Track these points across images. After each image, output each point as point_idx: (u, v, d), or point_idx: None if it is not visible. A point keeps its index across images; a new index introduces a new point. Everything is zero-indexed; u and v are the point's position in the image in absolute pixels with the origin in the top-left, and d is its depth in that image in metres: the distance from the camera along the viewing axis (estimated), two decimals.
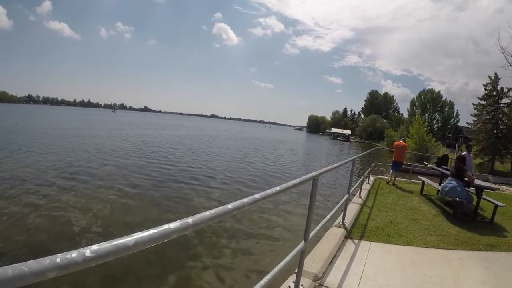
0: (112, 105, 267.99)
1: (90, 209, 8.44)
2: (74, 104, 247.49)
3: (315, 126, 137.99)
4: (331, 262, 3.92)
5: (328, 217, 3.73)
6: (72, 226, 7.17)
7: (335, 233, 4.79)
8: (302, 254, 2.82)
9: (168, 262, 5.62)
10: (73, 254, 0.80)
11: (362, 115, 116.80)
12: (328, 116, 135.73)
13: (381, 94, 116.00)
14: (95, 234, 6.88)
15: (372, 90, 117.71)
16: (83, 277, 4.87)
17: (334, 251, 4.23)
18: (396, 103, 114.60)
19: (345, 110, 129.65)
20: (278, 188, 1.91)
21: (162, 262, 5.53)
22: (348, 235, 4.93)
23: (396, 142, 11.35)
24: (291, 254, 2.49)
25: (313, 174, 2.67)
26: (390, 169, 11.41)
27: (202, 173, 14.63)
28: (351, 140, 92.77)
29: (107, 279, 4.89)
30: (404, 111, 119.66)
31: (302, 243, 2.72)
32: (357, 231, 5.23)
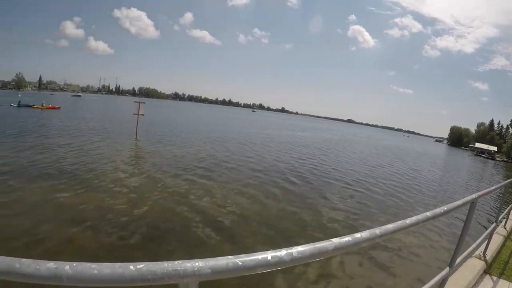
0: (251, 104, 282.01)
1: (243, 203, 8.71)
2: (216, 102, 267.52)
3: (457, 139, 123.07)
4: None
5: (474, 245, 3.37)
6: (216, 218, 7.45)
7: (474, 264, 4.24)
8: (444, 282, 2.59)
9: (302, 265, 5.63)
10: (282, 253, 0.87)
11: (510, 130, 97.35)
12: (472, 128, 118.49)
13: None
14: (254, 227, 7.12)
15: None
16: None
17: (470, 285, 3.79)
18: None
19: (491, 123, 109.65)
20: (445, 208, 1.85)
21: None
22: (487, 270, 4.33)
23: None
24: (435, 279, 2.33)
25: (473, 196, 2.44)
26: None
27: (354, 178, 14.51)
28: (497, 158, 79.03)
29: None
30: None
31: (447, 269, 2.49)
32: (498, 267, 4.52)
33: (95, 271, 0.76)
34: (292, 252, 0.88)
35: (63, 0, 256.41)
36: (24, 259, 0.78)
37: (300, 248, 0.90)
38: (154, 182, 9.86)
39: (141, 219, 6.89)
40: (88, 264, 0.77)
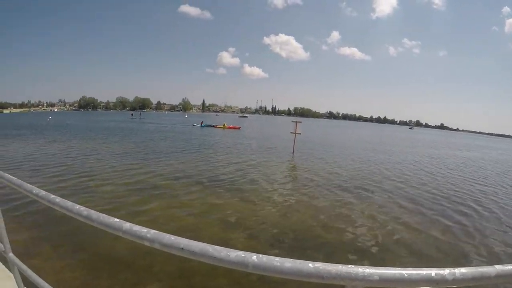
0: (407, 121, 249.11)
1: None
2: (371, 120, 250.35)
3: None
4: None
5: None
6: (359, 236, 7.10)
7: None
8: None
9: None
10: (446, 272, 0.85)
11: None
12: None
13: None
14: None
15: None
16: None
17: None
18: None
19: None
20: None
21: None
22: None
23: None
24: None
25: None
26: None
27: None
28: None
29: None
30: None
31: None
32: None
33: (278, 264, 0.84)
34: (455, 273, 0.85)
35: (218, 36, 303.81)
36: (216, 246, 0.91)
37: (463, 270, 0.87)
38: (307, 197, 9.92)
39: (291, 232, 7.01)
40: (272, 257, 0.86)
